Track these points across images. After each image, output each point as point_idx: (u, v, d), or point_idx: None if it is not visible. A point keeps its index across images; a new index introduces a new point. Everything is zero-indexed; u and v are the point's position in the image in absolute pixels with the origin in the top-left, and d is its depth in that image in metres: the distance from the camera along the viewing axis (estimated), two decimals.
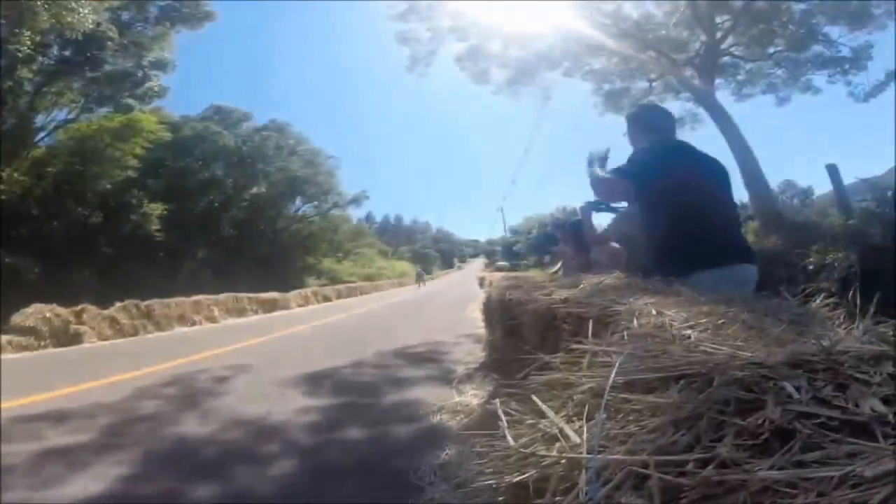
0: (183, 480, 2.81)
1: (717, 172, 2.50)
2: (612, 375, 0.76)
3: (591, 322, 1.14)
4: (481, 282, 23.36)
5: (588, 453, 0.61)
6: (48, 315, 9.27)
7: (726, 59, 14.94)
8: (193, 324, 12.32)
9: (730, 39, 14.18)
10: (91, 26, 13.31)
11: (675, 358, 0.80)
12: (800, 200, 19.94)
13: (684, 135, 16.45)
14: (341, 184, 29.81)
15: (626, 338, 1.02)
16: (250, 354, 7.50)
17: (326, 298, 20.39)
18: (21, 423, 3.93)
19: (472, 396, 4.22)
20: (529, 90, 16.79)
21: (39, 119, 16.17)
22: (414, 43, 15.57)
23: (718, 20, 13.58)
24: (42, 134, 16.36)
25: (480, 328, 7.03)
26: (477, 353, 5.90)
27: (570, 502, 0.59)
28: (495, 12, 14.67)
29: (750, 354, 0.76)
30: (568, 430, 0.68)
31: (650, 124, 2.80)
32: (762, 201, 11.98)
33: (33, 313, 9.15)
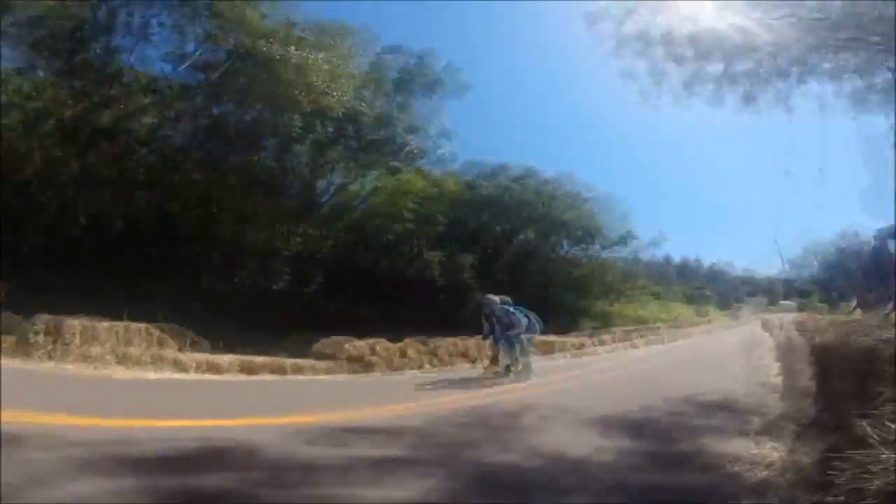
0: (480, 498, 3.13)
1: None
2: None
3: None
4: (764, 325, 21.00)
5: None
6: (346, 346, 10.60)
7: None
8: (474, 361, 13.18)
9: None
10: (347, 107, 16.52)
11: None
12: None
13: None
14: (606, 225, 29.25)
15: None
16: (534, 394, 7.84)
17: (602, 342, 20.16)
18: (330, 434, 4.37)
19: (772, 449, 4.02)
20: (766, 103, 14.93)
21: (320, 184, 20.45)
22: (633, 77, 15.16)
23: None
24: (325, 197, 20.60)
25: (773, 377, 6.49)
26: (771, 404, 5.49)
27: None
28: (700, 26, 13.63)
29: None
30: None
31: None
32: None
33: (332, 343, 10.64)
